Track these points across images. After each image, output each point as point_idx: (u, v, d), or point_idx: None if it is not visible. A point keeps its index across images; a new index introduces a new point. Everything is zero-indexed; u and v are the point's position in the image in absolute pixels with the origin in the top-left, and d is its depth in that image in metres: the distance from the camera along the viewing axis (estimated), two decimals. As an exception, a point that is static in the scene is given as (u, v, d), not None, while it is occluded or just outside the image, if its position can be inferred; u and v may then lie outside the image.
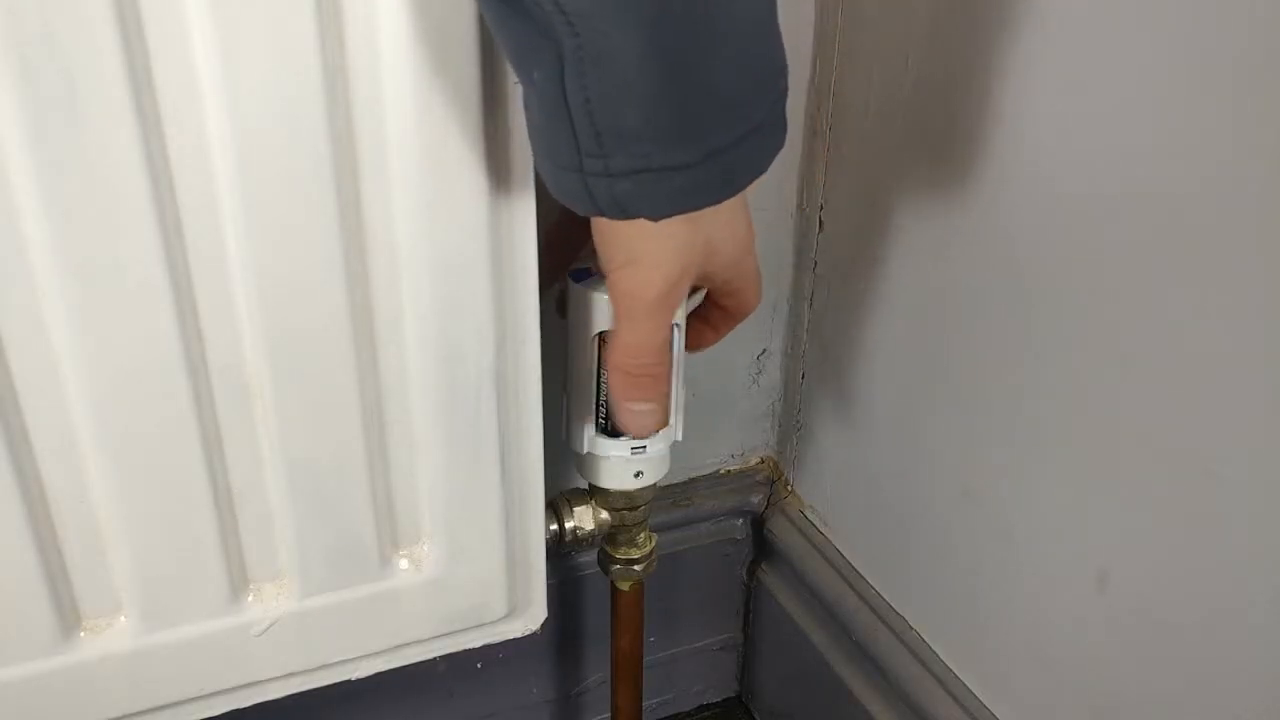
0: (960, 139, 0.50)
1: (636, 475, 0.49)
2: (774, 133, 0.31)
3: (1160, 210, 0.40)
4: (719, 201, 0.31)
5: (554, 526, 0.50)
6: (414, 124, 0.34)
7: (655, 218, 0.31)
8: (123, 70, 0.30)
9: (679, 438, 0.49)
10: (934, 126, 0.51)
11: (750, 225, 0.39)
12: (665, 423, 0.44)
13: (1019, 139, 0.46)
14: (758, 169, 0.31)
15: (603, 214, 0.30)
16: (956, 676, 0.57)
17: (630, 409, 0.40)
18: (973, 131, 0.49)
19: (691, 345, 0.46)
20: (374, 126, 0.34)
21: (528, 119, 0.31)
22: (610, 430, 0.47)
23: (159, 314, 0.34)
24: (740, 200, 0.37)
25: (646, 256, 0.34)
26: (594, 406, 0.46)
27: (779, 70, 0.30)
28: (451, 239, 0.37)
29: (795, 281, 0.67)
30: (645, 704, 0.62)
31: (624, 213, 0.30)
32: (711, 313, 0.45)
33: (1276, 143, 0.35)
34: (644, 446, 0.47)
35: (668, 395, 0.43)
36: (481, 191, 0.36)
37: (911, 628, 0.60)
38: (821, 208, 0.63)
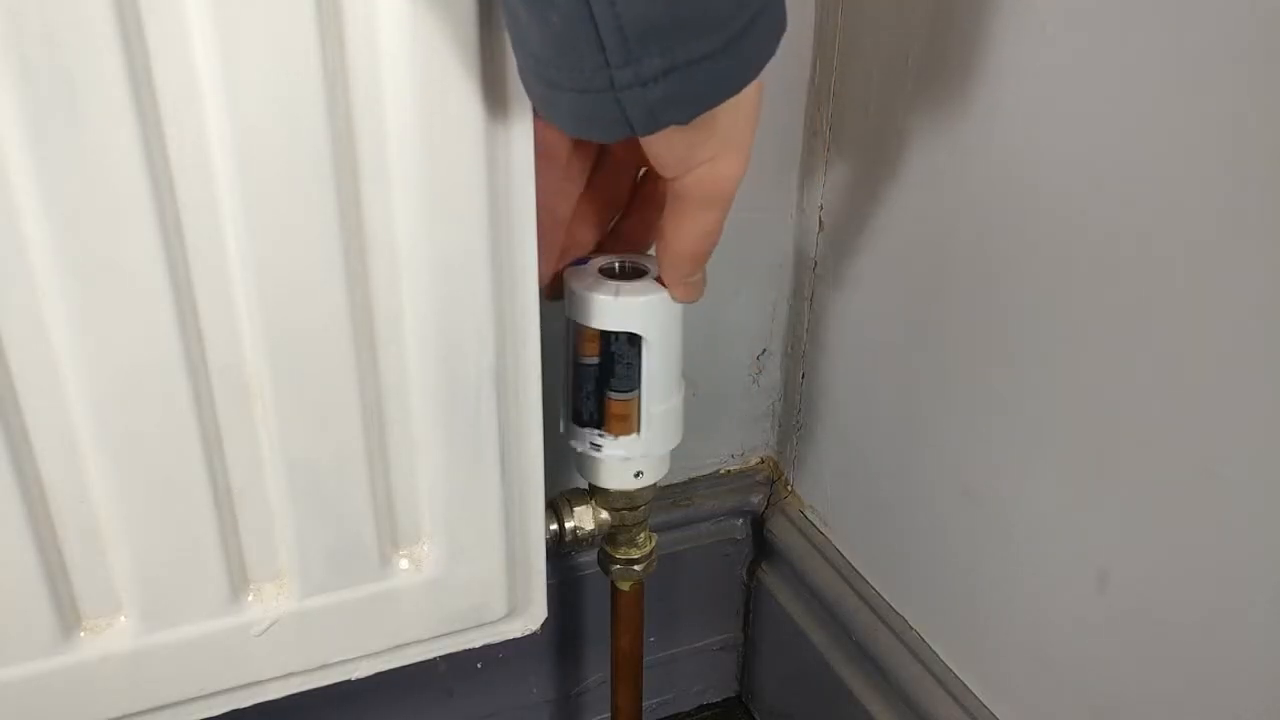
0: (961, 139, 0.50)
1: (636, 475, 0.49)
2: (777, 13, 0.31)
3: (1160, 210, 0.40)
4: (740, 90, 0.31)
5: (554, 526, 0.50)
6: (414, 123, 0.34)
7: (684, 120, 0.31)
8: (123, 70, 0.30)
9: (679, 440, 0.49)
10: (934, 126, 0.51)
11: None
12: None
13: (1020, 139, 0.46)
14: (769, 51, 0.31)
15: (633, 131, 0.30)
16: (956, 676, 0.57)
17: (692, 283, 0.43)
18: (973, 131, 0.49)
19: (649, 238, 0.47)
20: (374, 126, 0.34)
21: (538, 52, 0.30)
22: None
23: (159, 314, 0.34)
24: None
25: (734, 146, 0.36)
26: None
27: None
28: (452, 239, 0.37)
29: (795, 281, 0.67)
30: (645, 704, 0.62)
31: (655, 122, 0.30)
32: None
33: (1275, 139, 0.35)
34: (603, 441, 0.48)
35: None
36: (482, 192, 0.36)
37: (911, 628, 0.60)
38: (821, 208, 0.63)
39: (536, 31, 0.29)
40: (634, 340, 0.45)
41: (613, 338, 0.45)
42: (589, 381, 0.47)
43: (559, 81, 0.30)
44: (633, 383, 0.46)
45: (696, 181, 0.37)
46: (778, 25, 0.31)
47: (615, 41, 0.27)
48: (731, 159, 0.37)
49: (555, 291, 0.46)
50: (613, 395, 0.47)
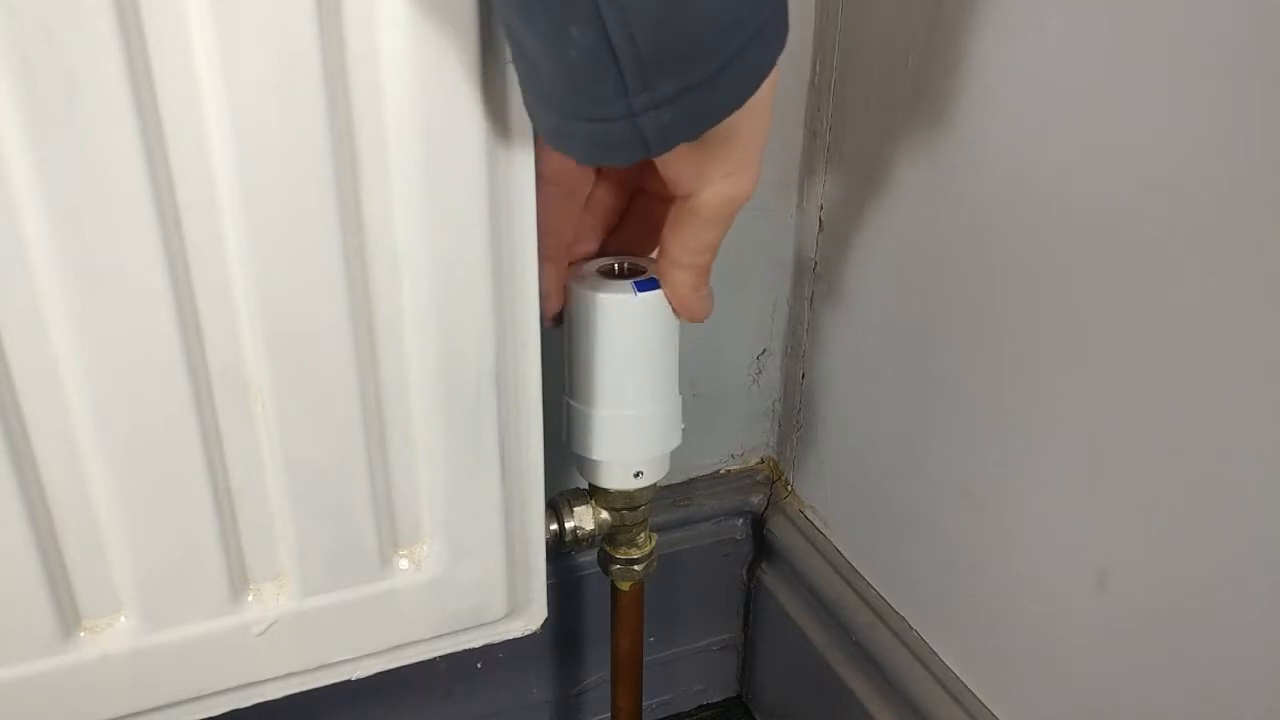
0: (960, 139, 0.50)
1: (636, 475, 0.49)
2: (777, 26, 0.32)
3: (1160, 210, 0.40)
4: (744, 101, 0.32)
5: (554, 526, 0.50)
6: (414, 124, 0.34)
7: (693, 137, 0.32)
8: (123, 70, 0.30)
9: (679, 441, 0.49)
10: (934, 127, 0.51)
11: None
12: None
13: (1020, 139, 0.46)
14: (770, 63, 0.32)
15: (649, 152, 0.31)
16: (956, 676, 0.57)
17: (702, 296, 0.43)
18: (972, 132, 0.49)
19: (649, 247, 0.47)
20: (374, 126, 0.34)
21: (551, 101, 0.31)
22: None
23: (159, 313, 0.34)
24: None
25: (748, 163, 0.37)
26: None
27: None
28: (452, 239, 0.37)
29: (795, 281, 0.67)
30: (645, 704, 0.62)
31: (665, 143, 0.31)
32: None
33: (1273, 137, 0.35)
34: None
35: None
36: (482, 192, 0.36)
37: (911, 628, 0.60)
38: (821, 208, 0.63)
39: (551, 67, 0.29)
40: None
41: None
42: None
43: (575, 113, 0.31)
44: None
45: (710, 198, 0.38)
46: (778, 38, 0.32)
47: (634, 72, 0.28)
48: (745, 175, 0.38)
49: (560, 320, 0.46)
50: None
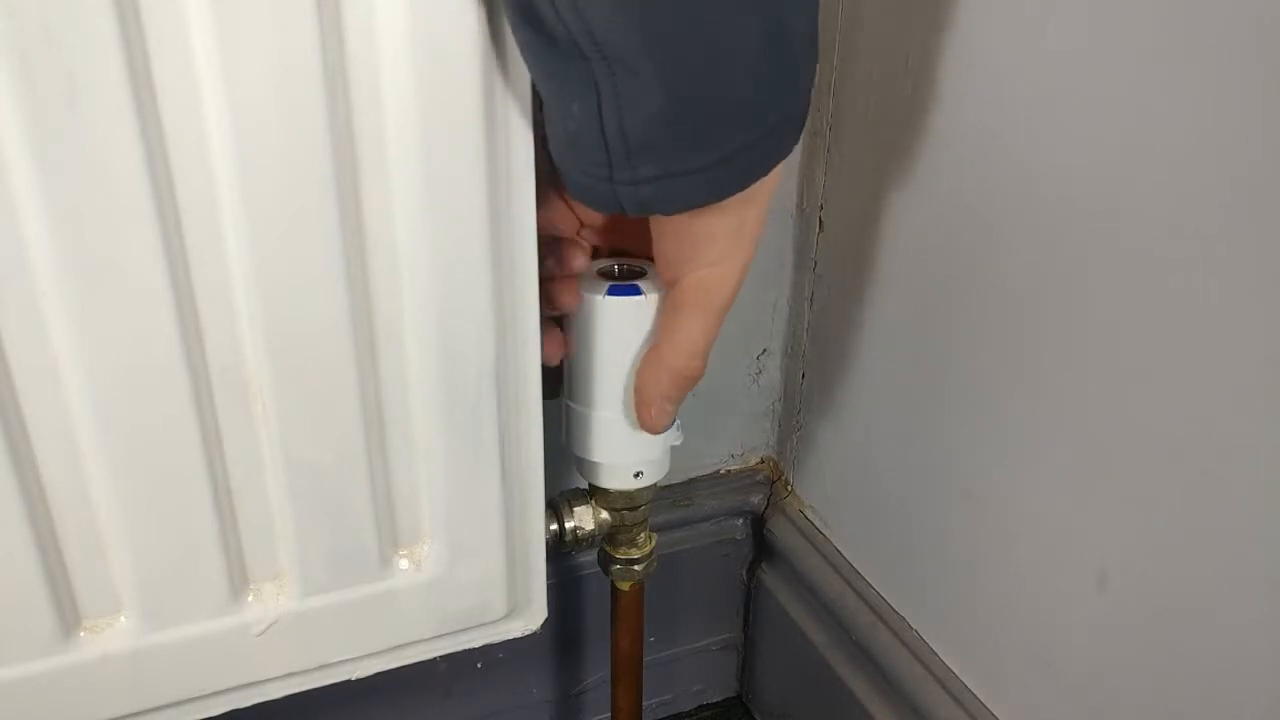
0: (960, 139, 0.50)
1: (636, 475, 0.49)
2: (789, 131, 0.34)
3: (1161, 209, 0.40)
4: (721, 198, 0.34)
5: (554, 526, 0.50)
6: (414, 123, 0.34)
7: (670, 214, 0.34)
8: (123, 70, 0.30)
9: (679, 441, 0.49)
10: (933, 127, 0.51)
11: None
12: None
13: (1019, 139, 0.46)
14: (762, 170, 0.34)
15: (625, 212, 0.34)
16: (956, 676, 0.57)
17: (666, 408, 0.44)
18: (972, 131, 0.49)
19: None
20: (374, 125, 0.34)
21: (553, 133, 0.34)
22: None
23: (159, 313, 0.34)
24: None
25: (732, 255, 0.38)
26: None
27: (794, 75, 0.33)
28: (452, 238, 0.37)
29: (795, 281, 0.67)
30: (645, 704, 0.62)
31: (643, 210, 0.33)
32: None
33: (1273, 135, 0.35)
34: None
35: None
36: (482, 191, 0.36)
37: (911, 628, 0.60)
38: (821, 208, 0.63)
39: (558, 126, 0.33)
40: None
41: None
42: None
43: (568, 163, 0.34)
44: None
45: (694, 285, 0.39)
46: (784, 143, 0.34)
47: (620, 154, 0.32)
48: (726, 267, 0.38)
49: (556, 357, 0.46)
50: None
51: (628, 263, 0.46)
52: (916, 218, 0.54)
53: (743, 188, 0.34)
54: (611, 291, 0.44)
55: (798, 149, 0.63)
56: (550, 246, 0.44)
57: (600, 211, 0.35)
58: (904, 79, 0.53)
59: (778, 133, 0.33)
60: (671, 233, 0.38)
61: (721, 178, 0.33)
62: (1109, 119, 0.41)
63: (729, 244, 0.37)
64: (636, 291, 0.44)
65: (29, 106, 0.30)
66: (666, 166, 0.32)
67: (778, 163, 0.34)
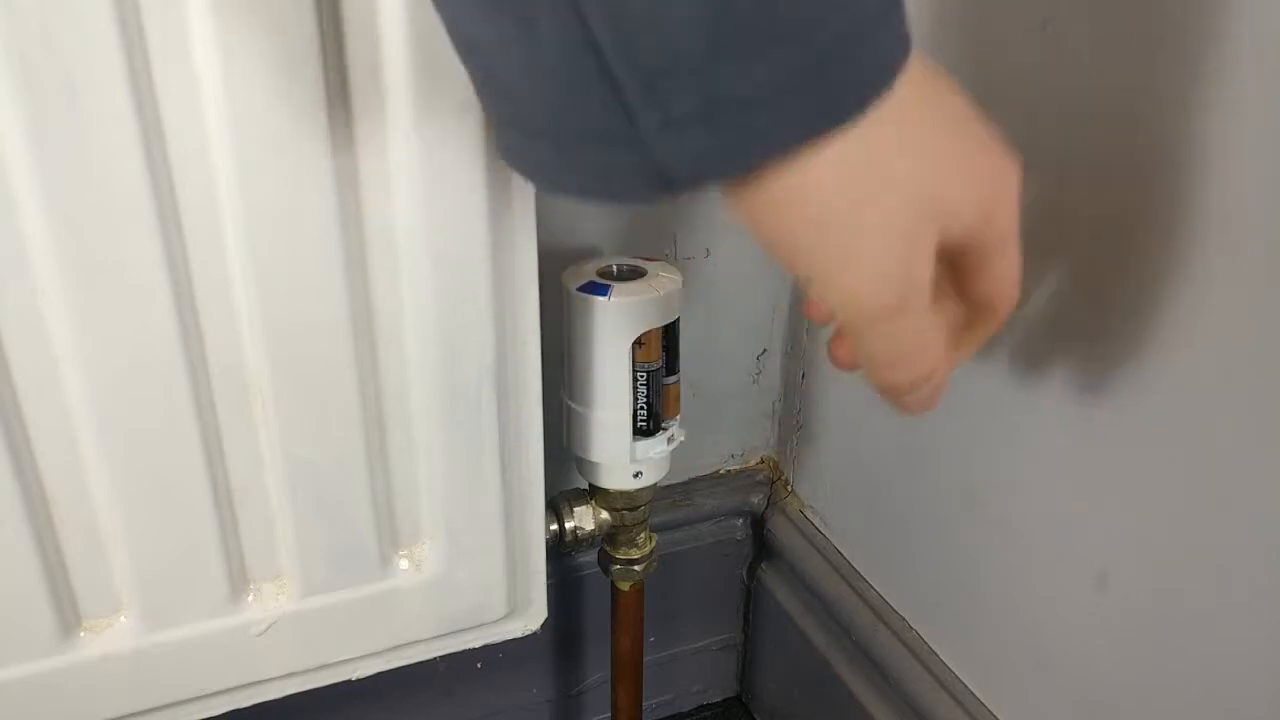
0: (960, 139, 0.49)
1: (636, 475, 0.49)
2: (890, 25, 0.21)
3: (1160, 209, 0.40)
4: (827, 131, 0.21)
5: (554, 526, 0.50)
6: (414, 122, 0.34)
7: (745, 173, 0.22)
8: (122, 71, 0.30)
9: (679, 440, 0.49)
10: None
11: (996, 163, 0.27)
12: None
13: (1020, 138, 0.46)
14: (881, 73, 0.21)
15: (676, 188, 0.21)
16: (956, 676, 0.57)
17: (909, 402, 0.31)
18: (973, 131, 0.49)
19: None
20: (374, 124, 0.34)
21: (499, 92, 0.22)
22: (649, 429, 0.48)
23: (159, 313, 0.34)
24: (948, 119, 0.25)
25: (863, 250, 0.24)
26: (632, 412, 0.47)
27: None
28: (451, 238, 0.37)
29: (795, 281, 0.67)
30: (645, 704, 0.62)
31: (701, 175, 0.21)
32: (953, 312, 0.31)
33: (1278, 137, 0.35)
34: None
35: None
36: (482, 190, 0.36)
37: (911, 628, 0.60)
38: (821, 208, 0.63)
39: (512, 70, 0.21)
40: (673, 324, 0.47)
41: (670, 327, 0.47)
42: (653, 385, 0.47)
43: (566, 143, 0.22)
44: (676, 363, 0.48)
45: (823, 296, 0.25)
46: (892, 42, 0.22)
47: (635, 82, 0.20)
48: (849, 275, 0.24)
49: None
50: (668, 380, 0.48)
51: (625, 263, 0.46)
52: (916, 218, 0.54)
53: (835, 122, 0.21)
54: (605, 291, 0.44)
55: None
56: None
57: (641, 202, 0.22)
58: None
59: (876, 25, 0.21)
60: (759, 215, 0.23)
61: (799, 103, 0.20)
62: (1110, 118, 0.41)
63: (868, 232, 0.24)
64: (603, 292, 0.44)
65: (29, 107, 0.30)
66: (714, 85, 0.20)
67: (886, 80, 0.22)
